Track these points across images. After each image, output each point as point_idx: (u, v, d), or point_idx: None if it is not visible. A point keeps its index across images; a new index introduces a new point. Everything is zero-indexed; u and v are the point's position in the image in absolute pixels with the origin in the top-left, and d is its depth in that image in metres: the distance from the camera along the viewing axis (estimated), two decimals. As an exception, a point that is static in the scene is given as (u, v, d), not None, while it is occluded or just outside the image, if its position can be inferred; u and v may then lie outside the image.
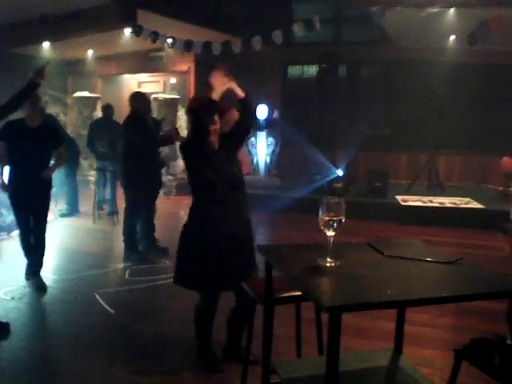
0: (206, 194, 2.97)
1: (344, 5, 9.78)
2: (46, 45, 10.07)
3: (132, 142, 5.30)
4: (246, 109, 3.12)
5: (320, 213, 1.85)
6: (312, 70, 10.94)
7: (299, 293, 2.41)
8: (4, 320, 3.70)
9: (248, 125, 3.19)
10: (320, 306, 1.52)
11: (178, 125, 10.45)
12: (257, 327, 2.73)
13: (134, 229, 5.59)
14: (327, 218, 1.84)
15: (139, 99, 5.51)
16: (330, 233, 1.87)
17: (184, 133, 10.55)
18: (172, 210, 8.20)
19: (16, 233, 5.28)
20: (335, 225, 1.83)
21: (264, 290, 2.19)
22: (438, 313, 4.04)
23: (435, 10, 7.62)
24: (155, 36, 8.55)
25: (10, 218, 6.07)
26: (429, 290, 1.74)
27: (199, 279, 2.98)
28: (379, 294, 1.62)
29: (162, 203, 7.06)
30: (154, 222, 5.77)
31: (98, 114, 11.13)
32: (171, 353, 3.39)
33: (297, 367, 2.22)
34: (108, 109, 7.63)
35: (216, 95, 3.04)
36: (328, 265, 1.88)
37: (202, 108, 2.97)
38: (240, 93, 3.08)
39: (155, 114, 9.98)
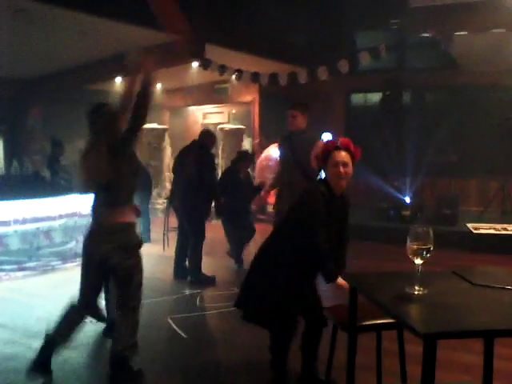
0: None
1: (408, 32, 9.74)
2: (118, 80, 10.64)
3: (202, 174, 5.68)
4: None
5: (408, 241, 1.87)
6: (376, 97, 10.90)
7: (382, 321, 2.41)
8: (84, 342, 3.89)
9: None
10: (415, 333, 1.52)
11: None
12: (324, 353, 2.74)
13: (200, 253, 5.85)
14: (415, 247, 1.85)
15: (209, 136, 5.96)
16: (418, 261, 1.88)
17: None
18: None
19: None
20: (424, 253, 1.85)
21: (348, 316, 2.20)
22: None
23: (501, 30, 7.47)
24: (222, 69, 8.83)
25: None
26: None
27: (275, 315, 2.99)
28: (474, 323, 1.61)
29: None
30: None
31: (167, 144, 11.59)
32: (243, 379, 3.43)
33: (381, 396, 2.21)
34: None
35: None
36: (417, 293, 1.88)
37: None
38: None
39: (220, 144, 10.29)
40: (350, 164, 2.94)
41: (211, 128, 12.74)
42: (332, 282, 2.76)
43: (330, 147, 2.97)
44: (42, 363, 3.24)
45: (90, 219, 3.33)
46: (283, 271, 2.96)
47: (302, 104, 4.94)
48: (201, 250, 5.84)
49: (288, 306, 2.94)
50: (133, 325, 3.27)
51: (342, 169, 2.90)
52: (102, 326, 4.03)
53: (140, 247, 3.33)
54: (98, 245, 3.12)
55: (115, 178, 3.08)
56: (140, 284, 3.31)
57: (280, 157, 5.20)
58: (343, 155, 2.93)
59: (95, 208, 3.24)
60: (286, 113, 4.92)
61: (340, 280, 2.73)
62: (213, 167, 6.00)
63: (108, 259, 3.11)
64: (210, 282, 5.78)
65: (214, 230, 6.94)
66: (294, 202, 3.15)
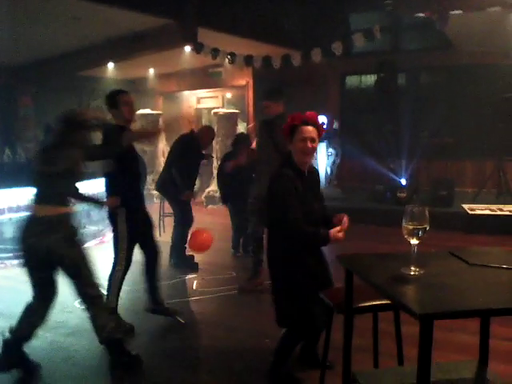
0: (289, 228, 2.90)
1: (402, 12, 9.64)
2: (110, 66, 10.53)
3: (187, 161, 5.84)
4: None
5: (403, 221, 1.85)
6: (370, 79, 10.82)
7: (378, 302, 2.41)
8: (81, 329, 3.88)
9: None
10: (411, 313, 1.51)
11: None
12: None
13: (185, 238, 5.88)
14: (411, 227, 1.84)
15: (207, 132, 6.13)
16: (414, 241, 1.86)
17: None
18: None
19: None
20: (420, 233, 1.83)
21: (344, 299, 2.19)
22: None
23: (497, 9, 7.38)
24: (215, 52, 8.75)
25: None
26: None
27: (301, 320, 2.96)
28: (471, 302, 1.60)
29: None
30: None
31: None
32: (241, 363, 3.44)
33: (378, 377, 2.20)
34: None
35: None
36: (412, 273, 1.87)
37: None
38: None
39: (216, 128, 10.22)
40: (317, 139, 2.93)
41: (205, 112, 12.83)
42: (327, 244, 2.84)
43: (298, 121, 2.92)
44: (10, 359, 3.17)
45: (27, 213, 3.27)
46: (282, 267, 3.00)
47: (273, 92, 4.80)
48: (186, 237, 5.84)
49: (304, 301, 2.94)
50: (103, 310, 3.25)
51: (309, 144, 2.88)
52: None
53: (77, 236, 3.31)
54: (40, 237, 3.06)
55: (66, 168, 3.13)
56: (92, 271, 3.26)
57: (258, 141, 5.13)
58: (311, 130, 2.90)
59: (35, 201, 3.19)
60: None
61: (334, 234, 2.82)
62: (190, 168, 5.96)
63: (53, 250, 3.07)
64: (192, 267, 5.83)
65: (213, 215, 6.94)
66: (265, 194, 3.09)
